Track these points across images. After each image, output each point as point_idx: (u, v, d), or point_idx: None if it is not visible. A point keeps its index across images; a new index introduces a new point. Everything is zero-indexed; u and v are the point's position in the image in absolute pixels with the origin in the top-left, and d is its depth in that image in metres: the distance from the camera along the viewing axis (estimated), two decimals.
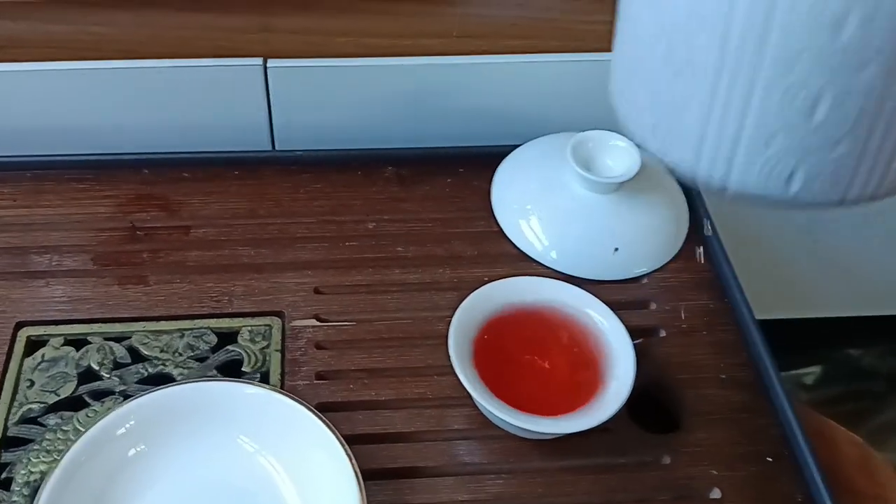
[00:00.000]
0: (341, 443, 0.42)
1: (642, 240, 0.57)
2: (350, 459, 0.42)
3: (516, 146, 0.63)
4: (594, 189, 0.57)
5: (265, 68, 0.62)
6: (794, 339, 1.04)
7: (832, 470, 0.53)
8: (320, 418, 0.43)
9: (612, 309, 0.49)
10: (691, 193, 0.61)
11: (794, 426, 0.49)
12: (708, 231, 0.59)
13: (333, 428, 0.43)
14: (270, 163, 0.62)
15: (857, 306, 0.96)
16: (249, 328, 0.52)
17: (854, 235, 0.83)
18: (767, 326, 0.96)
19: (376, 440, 0.47)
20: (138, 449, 0.42)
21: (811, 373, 1.12)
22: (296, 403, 0.43)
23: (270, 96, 0.63)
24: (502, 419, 0.44)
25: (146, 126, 0.63)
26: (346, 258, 0.56)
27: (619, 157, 0.57)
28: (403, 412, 0.49)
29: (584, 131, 0.58)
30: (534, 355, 0.48)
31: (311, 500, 0.42)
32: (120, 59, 0.61)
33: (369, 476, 0.45)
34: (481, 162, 0.63)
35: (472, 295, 0.48)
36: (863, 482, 0.53)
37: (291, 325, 0.52)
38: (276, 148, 0.66)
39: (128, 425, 0.42)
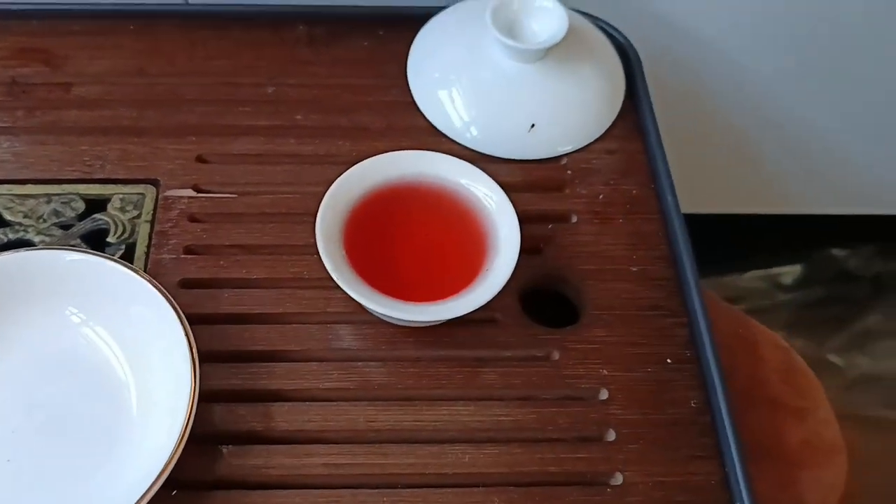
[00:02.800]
0: (175, 309, 0.39)
1: (566, 115, 0.51)
2: (185, 331, 0.38)
3: (445, 7, 0.57)
4: (516, 57, 0.51)
5: None
6: (774, 236, 0.99)
7: (752, 376, 0.50)
8: (154, 285, 0.39)
9: (504, 187, 0.44)
10: (631, 64, 0.55)
11: (703, 327, 0.44)
12: None
13: (168, 295, 0.39)
14: (170, 17, 0.56)
15: (842, 204, 0.90)
16: (122, 196, 0.48)
17: (835, 131, 0.76)
18: (741, 220, 0.91)
19: (239, 320, 0.44)
20: None
21: (789, 272, 1.07)
22: (125, 269, 0.40)
23: None
24: (366, 305, 0.40)
25: None
26: (237, 125, 0.51)
27: (545, 21, 0.50)
28: (274, 292, 0.45)
29: None
30: (412, 235, 0.43)
31: (142, 372, 0.39)
32: None
33: (225, 357, 0.42)
34: (406, 24, 0.56)
35: (348, 171, 0.43)
36: (785, 391, 0.49)
37: (165, 194, 0.48)
38: (189, 2, 0.60)
39: None
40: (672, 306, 0.46)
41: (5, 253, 0.41)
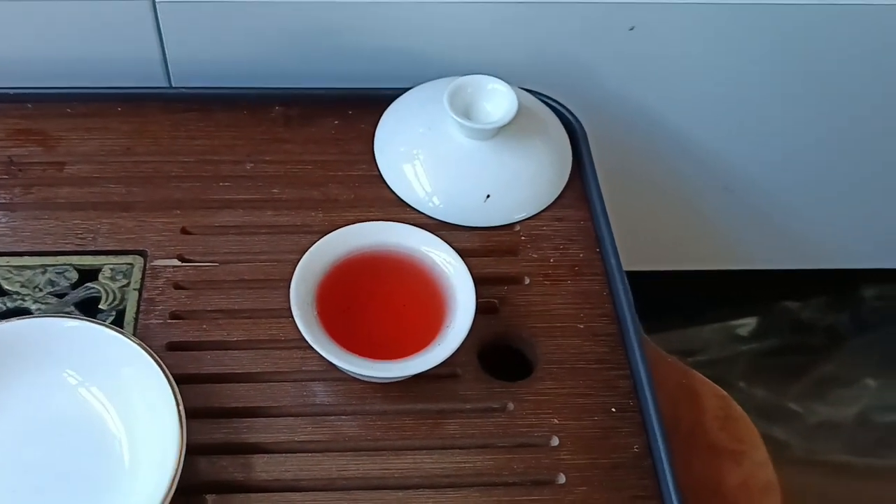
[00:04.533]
0: (163, 371, 0.43)
1: (518, 186, 0.56)
2: (173, 390, 0.42)
3: (409, 88, 0.62)
4: (472, 135, 0.56)
5: (154, 3, 0.61)
6: (730, 290, 1.05)
7: (693, 422, 0.54)
8: (143, 348, 0.43)
9: (460, 253, 0.48)
10: (577, 137, 0.60)
11: (644, 378, 0.49)
12: None
13: (157, 357, 0.43)
14: (156, 99, 0.61)
15: (791, 260, 0.96)
16: (112, 266, 0.52)
17: (779, 193, 0.82)
18: (698, 276, 0.96)
19: (221, 380, 0.48)
20: None
21: (746, 324, 1.12)
22: (117, 334, 0.44)
23: (162, 32, 0.62)
24: (336, 364, 0.44)
25: (35, 60, 0.62)
26: (219, 199, 0.56)
27: (497, 102, 0.56)
28: (252, 353, 0.49)
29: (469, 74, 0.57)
30: (379, 299, 0.48)
31: (133, 428, 0.43)
32: None
33: (208, 414, 0.46)
34: (372, 104, 0.62)
35: (319, 241, 0.48)
36: (723, 437, 0.53)
37: (152, 264, 0.52)
38: (173, 85, 0.65)
39: None
40: (616, 359, 0.50)
41: (7, 321, 0.45)
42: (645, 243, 0.82)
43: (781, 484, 0.53)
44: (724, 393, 0.55)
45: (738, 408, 0.54)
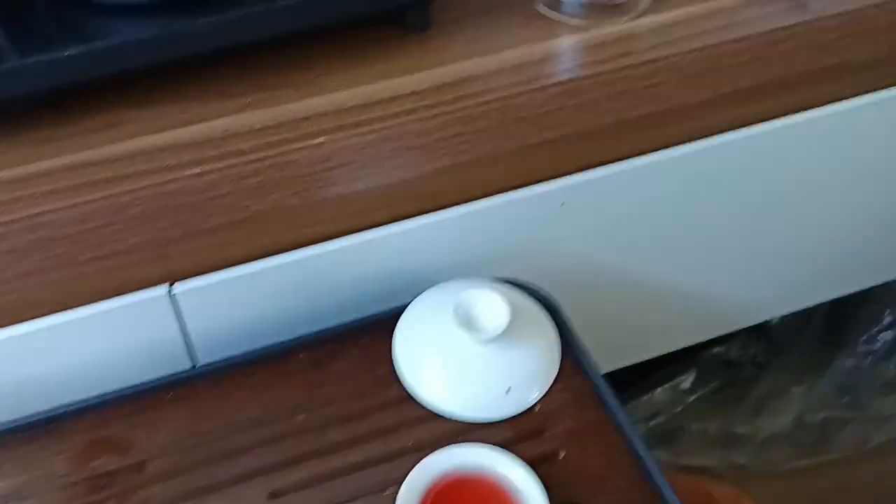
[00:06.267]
0: None
1: (528, 373, 0.68)
2: None
3: (406, 305, 0.73)
4: (478, 342, 0.67)
5: (170, 294, 0.70)
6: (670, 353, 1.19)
7: None
8: None
9: (527, 463, 0.60)
10: (560, 318, 0.73)
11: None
12: None
13: None
14: (198, 378, 0.70)
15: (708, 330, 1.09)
16: None
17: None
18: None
19: None
20: None
21: (687, 378, 1.28)
22: None
23: (183, 317, 0.71)
24: None
25: (80, 375, 0.70)
26: (290, 456, 0.65)
27: (493, 308, 0.68)
28: None
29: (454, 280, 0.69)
30: None
31: None
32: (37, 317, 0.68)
33: None
34: (381, 327, 0.72)
35: (406, 479, 0.58)
36: None
37: None
38: (201, 360, 0.74)
39: None
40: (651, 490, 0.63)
41: None
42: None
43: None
44: (736, 490, 0.69)
45: (749, 499, 0.68)
